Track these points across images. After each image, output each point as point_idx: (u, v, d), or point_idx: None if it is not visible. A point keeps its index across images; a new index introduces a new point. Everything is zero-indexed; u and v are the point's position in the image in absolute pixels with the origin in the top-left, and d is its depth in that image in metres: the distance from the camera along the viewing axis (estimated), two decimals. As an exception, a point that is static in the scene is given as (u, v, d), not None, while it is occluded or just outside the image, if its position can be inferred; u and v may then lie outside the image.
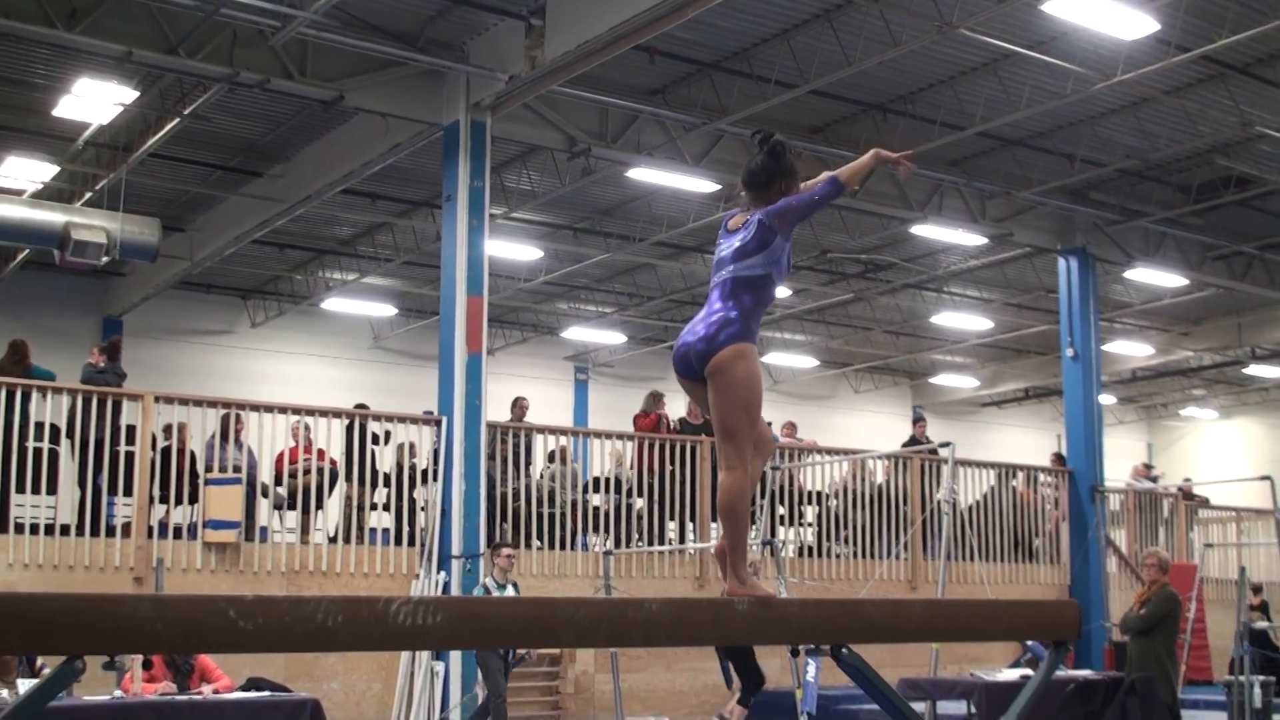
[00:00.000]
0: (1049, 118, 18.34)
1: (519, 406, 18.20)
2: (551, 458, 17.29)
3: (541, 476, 17.04)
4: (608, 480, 17.43)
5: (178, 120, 17.00)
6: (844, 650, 5.76)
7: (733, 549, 5.88)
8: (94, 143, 18.45)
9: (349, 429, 15.74)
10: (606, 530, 17.08)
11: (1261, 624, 18.91)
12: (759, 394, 5.90)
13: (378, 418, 16.28)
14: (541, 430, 17.70)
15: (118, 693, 10.49)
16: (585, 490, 17.48)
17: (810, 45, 16.05)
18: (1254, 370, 34.41)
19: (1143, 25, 14.84)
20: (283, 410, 15.91)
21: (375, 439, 16.05)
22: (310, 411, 16.07)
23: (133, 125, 17.79)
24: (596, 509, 17.35)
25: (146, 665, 10.88)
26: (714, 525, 17.27)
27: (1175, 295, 26.94)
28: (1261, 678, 14.28)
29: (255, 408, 15.66)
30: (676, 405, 20.17)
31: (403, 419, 16.42)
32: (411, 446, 16.14)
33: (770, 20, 15.83)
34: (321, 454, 15.65)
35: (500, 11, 15.21)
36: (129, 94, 16.55)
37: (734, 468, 5.84)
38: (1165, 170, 20.79)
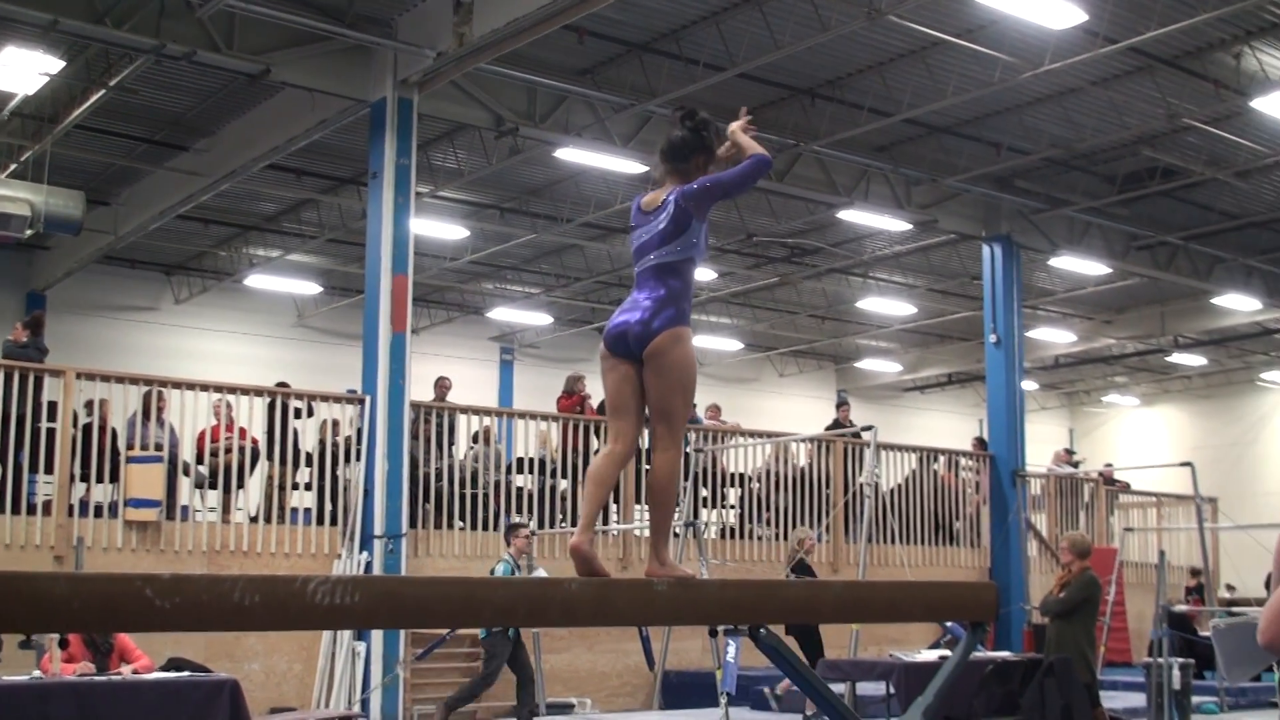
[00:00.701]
0: (976, 106, 18.43)
1: (440, 386, 18.16)
2: (475, 438, 17.24)
3: (465, 457, 17.02)
4: (532, 461, 17.42)
5: (103, 92, 16.80)
6: (762, 630, 5.79)
7: (656, 530, 5.94)
8: (19, 113, 18.22)
9: (271, 407, 15.66)
10: (530, 511, 17.07)
11: (1180, 606, 19.11)
12: (694, 377, 5.97)
13: (300, 396, 16.19)
14: (465, 410, 17.66)
15: (36, 673, 10.39)
16: (509, 471, 17.46)
17: (739, 28, 16.07)
18: (1177, 358, 34.85)
19: (1071, 16, 14.94)
20: (205, 388, 15.76)
21: (297, 413, 15.97)
22: (232, 389, 15.98)
23: (58, 96, 17.56)
24: (520, 489, 17.33)
25: (63, 644, 10.78)
26: (637, 507, 17.31)
27: (1099, 284, 27.15)
28: (1180, 660, 14.44)
29: (177, 385, 15.50)
30: (599, 386, 20.15)
31: (326, 398, 16.34)
32: (335, 424, 16.06)
33: (700, 2, 15.83)
34: (243, 432, 15.55)
35: (429, -12, 15.15)
36: (55, 64, 16.31)
37: (668, 449, 5.90)
38: (1091, 160, 20.95)
